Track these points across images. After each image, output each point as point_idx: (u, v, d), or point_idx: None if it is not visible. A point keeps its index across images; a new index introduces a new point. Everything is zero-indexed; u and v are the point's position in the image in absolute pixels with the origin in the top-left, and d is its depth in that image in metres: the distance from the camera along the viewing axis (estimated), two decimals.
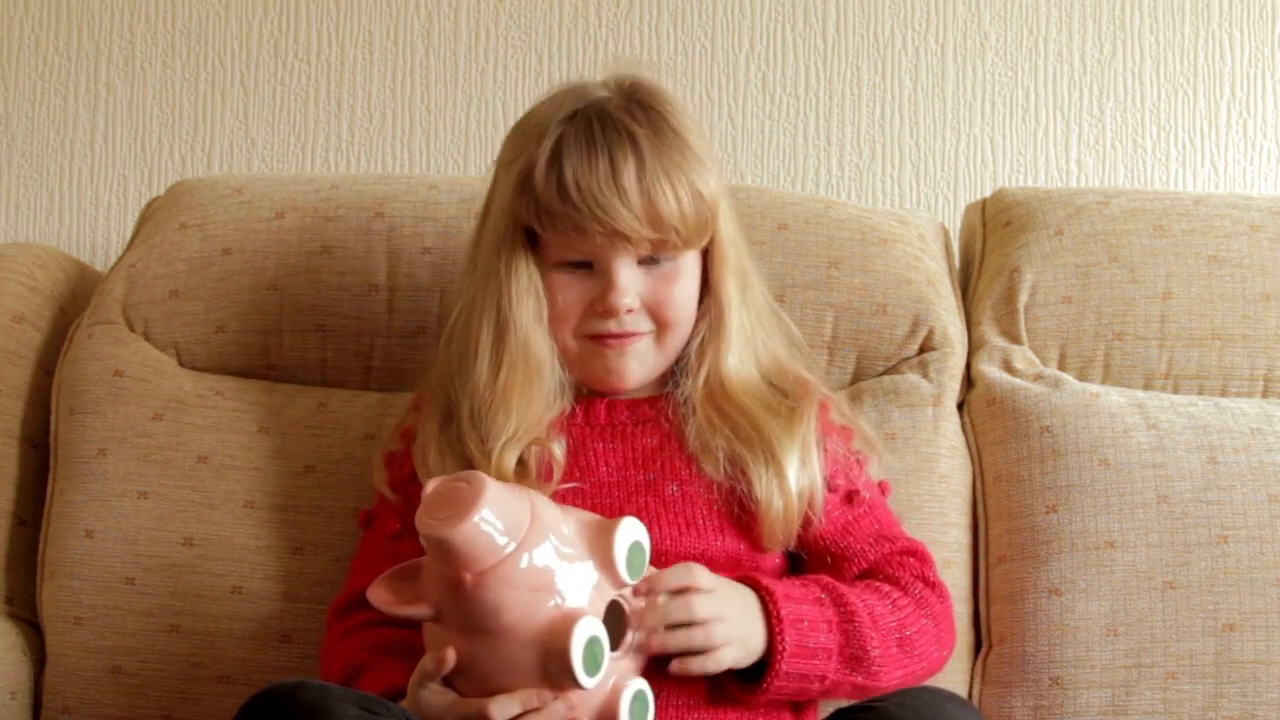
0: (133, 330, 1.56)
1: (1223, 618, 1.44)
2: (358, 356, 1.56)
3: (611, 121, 1.27)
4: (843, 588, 1.27)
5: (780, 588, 1.23)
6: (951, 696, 1.22)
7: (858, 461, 1.36)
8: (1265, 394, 1.57)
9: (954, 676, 1.46)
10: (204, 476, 1.49)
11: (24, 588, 1.53)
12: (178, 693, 1.44)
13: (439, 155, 1.87)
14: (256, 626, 1.45)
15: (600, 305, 1.28)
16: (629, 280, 1.27)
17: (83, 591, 1.47)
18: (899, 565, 1.33)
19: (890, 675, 1.26)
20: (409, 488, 1.31)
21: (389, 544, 1.33)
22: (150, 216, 1.63)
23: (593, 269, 1.28)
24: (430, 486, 1.13)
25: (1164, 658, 1.43)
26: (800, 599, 1.24)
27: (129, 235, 1.68)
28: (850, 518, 1.33)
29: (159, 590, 1.46)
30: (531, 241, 1.29)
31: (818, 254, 1.55)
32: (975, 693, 1.47)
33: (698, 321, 1.33)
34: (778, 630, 1.21)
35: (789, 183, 1.86)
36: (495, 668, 1.12)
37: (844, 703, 1.26)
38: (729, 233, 1.33)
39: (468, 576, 1.09)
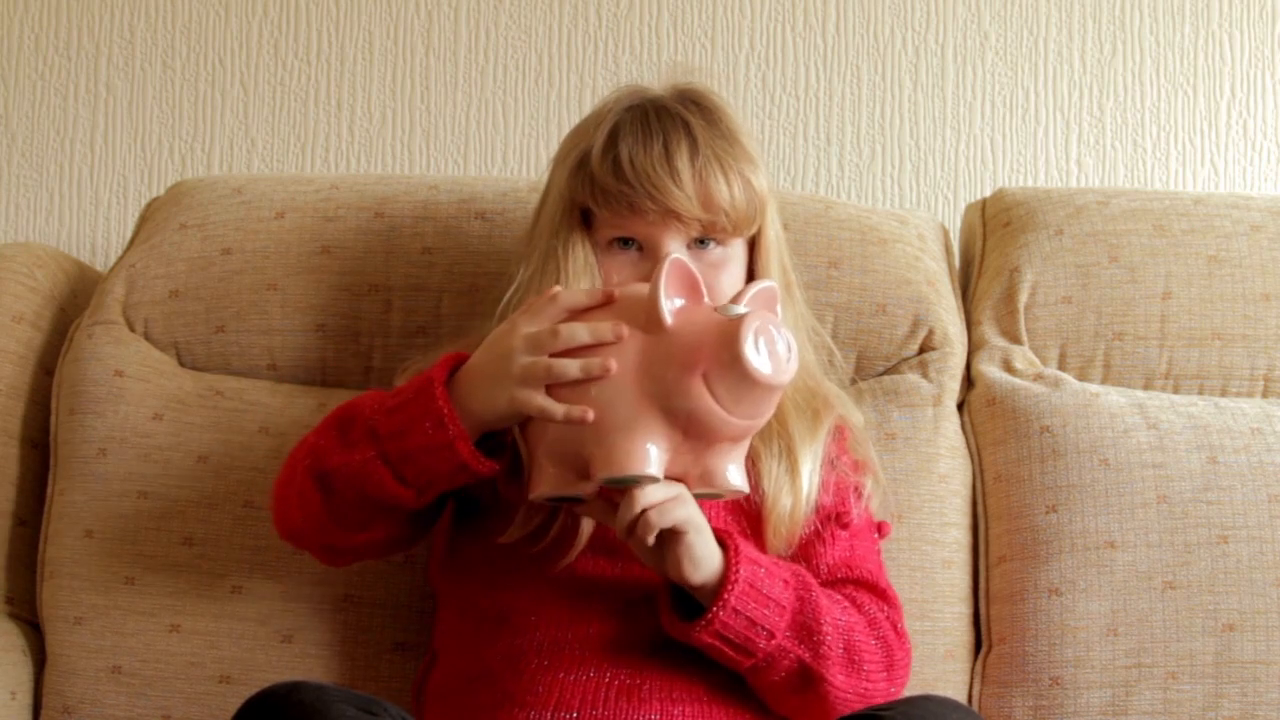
0: (133, 330, 1.56)
1: (1223, 618, 1.44)
2: (358, 356, 1.56)
3: (667, 111, 1.31)
4: (805, 571, 1.26)
5: (743, 541, 1.22)
6: (956, 705, 1.22)
7: (856, 491, 1.35)
8: (1265, 394, 1.57)
9: (954, 677, 1.47)
10: (204, 476, 1.49)
11: (24, 588, 1.53)
12: (178, 693, 1.44)
13: (439, 155, 1.87)
14: (256, 626, 1.45)
15: None
16: None
17: (83, 591, 1.47)
18: (851, 594, 1.29)
19: (834, 673, 1.22)
20: None
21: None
22: (150, 216, 1.63)
23: (643, 251, 1.30)
24: (776, 328, 1.15)
25: (1164, 658, 1.43)
26: (761, 558, 1.23)
27: (129, 235, 1.68)
28: (826, 533, 1.31)
29: (159, 590, 1.46)
30: (586, 225, 1.31)
31: (818, 254, 1.55)
32: (975, 693, 1.47)
33: None
34: (733, 563, 1.19)
35: (789, 183, 1.86)
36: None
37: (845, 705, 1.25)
38: (776, 232, 1.36)
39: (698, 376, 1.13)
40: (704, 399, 1.13)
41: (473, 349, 1.31)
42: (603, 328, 1.15)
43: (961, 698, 1.46)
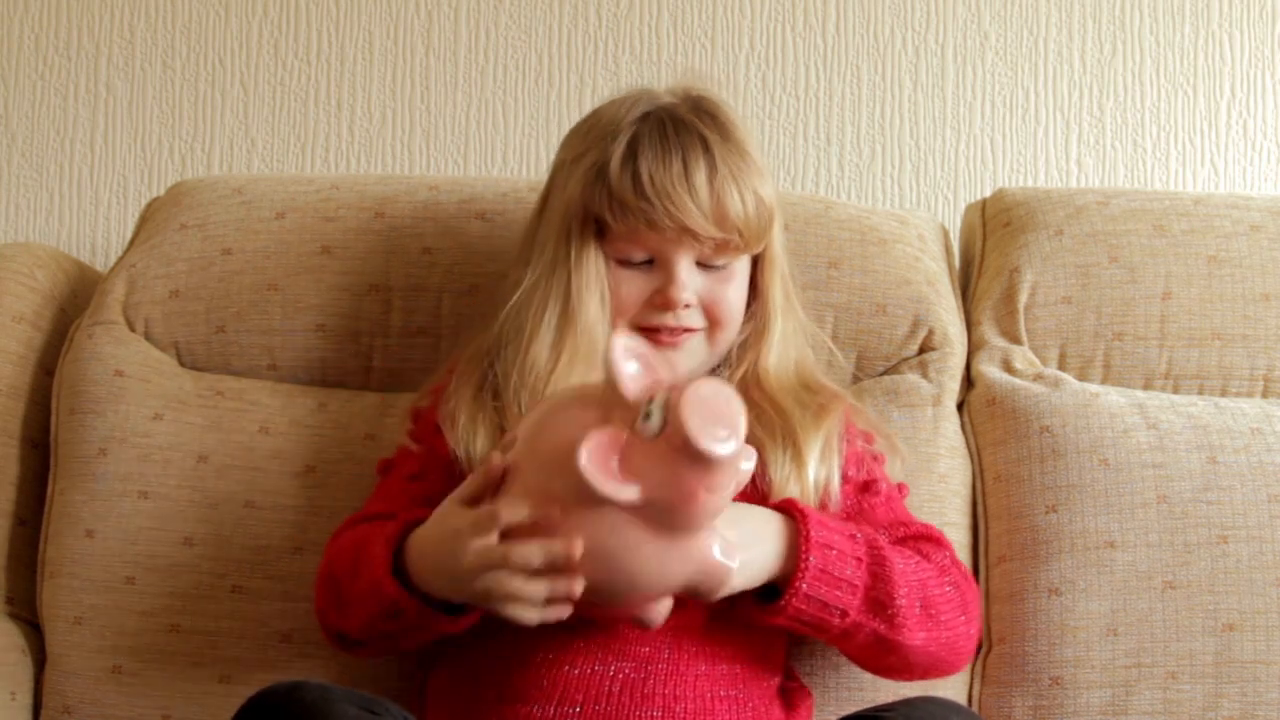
0: (133, 330, 1.56)
1: (1223, 618, 1.44)
2: (358, 356, 1.56)
3: (684, 124, 1.32)
4: (876, 534, 1.28)
5: (815, 513, 1.25)
6: (958, 708, 1.23)
7: (875, 459, 1.39)
8: (1265, 394, 1.57)
9: (954, 676, 1.46)
10: (204, 476, 1.49)
11: (24, 588, 1.53)
12: (178, 693, 1.44)
13: (439, 155, 1.87)
14: (256, 626, 1.45)
15: (660, 299, 1.32)
16: (689, 276, 1.32)
17: (83, 591, 1.47)
18: (915, 547, 1.33)
19: (912, 634, 1.26)
20: (432, 440, 1.34)
21: (405, 484, 1.35)
22: (150, 217, 1.63)
23: (653, 265, 1.33)
24: (696, 388, 1.08)
25: (1164, 658, 1.43)
26: (834, 529, 1.25)
27: (129, 235, 1.68)
28: (866, 505, 1.34)
29: (159, 590, 1.46)
30: (598, 235, 1.33)
31: (818, 254, 1.55)
32: (975, 693, 1.47)
33: (744, 324, 1.38)
34: (804, 550, 1.21)
35: (789, 183, 1.86)
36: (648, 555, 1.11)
37: (846, 707, 1.26)
38: (780, 243, 1.39)
39: (703, 492, 1.08)
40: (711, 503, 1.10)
41: (471, 359, 1.35)
42: (556, 549, 1.09)
43: (961, 698, 1.46)
